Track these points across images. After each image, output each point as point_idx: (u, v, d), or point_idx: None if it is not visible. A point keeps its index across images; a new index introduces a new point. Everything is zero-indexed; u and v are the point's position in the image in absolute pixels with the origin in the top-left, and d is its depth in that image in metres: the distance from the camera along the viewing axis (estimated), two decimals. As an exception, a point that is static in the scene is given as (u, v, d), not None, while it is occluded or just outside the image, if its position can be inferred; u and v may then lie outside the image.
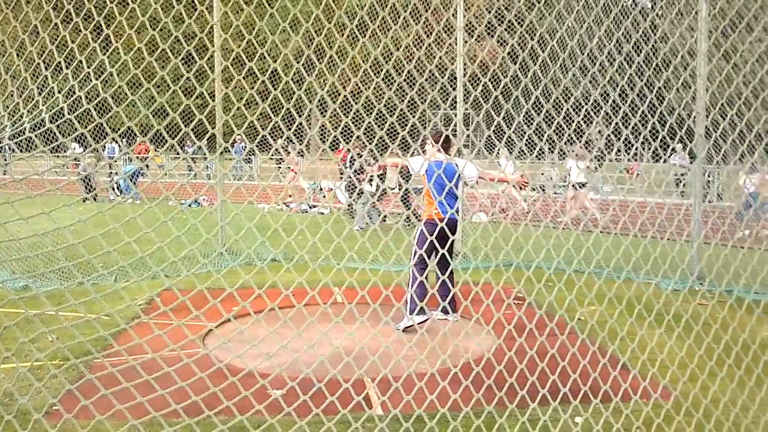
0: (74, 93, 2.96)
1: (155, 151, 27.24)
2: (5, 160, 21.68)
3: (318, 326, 3.47)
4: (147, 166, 25.98)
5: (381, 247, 3.85)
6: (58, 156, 24.12)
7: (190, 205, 18.09)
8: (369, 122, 3.35)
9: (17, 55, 3.19)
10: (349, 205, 15.77)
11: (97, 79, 3.05)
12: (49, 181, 21.74)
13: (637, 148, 4.16)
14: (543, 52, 3.83)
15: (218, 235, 10.32)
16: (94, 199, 19.73)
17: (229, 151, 15.91)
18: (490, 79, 3.80)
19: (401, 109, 3.25)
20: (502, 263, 8.43)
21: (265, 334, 3.95)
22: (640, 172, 16.64)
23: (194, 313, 3.01)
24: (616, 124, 4.26)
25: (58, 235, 3.17)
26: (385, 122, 3.18)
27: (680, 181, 17.66)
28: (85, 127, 3.26)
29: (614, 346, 4.60)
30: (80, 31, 3.03)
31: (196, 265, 8.84)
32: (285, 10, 3.29)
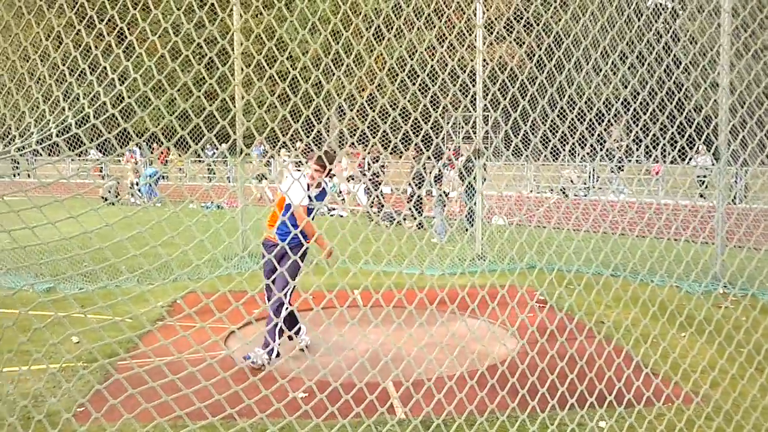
0: (98, 98, 3.00)
1: (177, 155, 27.49)
2: (30, 164, 21.93)
3: (337, 329, 3.48)
4: (166, 168, 26.21)
5: (395, 250, 3.86)
6: (81, 160, 24.43)
7: (212, 208, 18.22)
8: (391, 121, 3.36)
9: (41, 60, 3.24)
10: (370, 206, 15.78)
11: (120, 84, 3.09)
12: (75, 185, 22.00)
13: (663, 148, 4.15)
14: (575, 52, 3.83)
15: (239, 238, 10.39)
16: (113, 204, 19.96)
17: (249, 154, 16.03)
18: (509, 78, 3.80)
19: (422, 108, 3.25)
20: (525, 266, 8.41)
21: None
22: (662, 174, 16.51)
23: (217, 315, 3.04)
24: (644, 123, 4.24)
25: (83, 238, 3.22)
26: (406, 122, 3.19)
27: (703, 183, 17.49)
28: (110, 131, 3.31)
29: (629, 346, 4.56)
30: (103, 37, 3.07)
31: (219, 268, 8.92)
32: (304, 15, 3.31)
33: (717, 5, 8.88)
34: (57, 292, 7.61)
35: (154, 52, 3.29)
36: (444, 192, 14.38)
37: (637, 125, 4.14)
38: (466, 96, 11.41)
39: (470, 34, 11.13)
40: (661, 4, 13.64)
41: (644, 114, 4.13)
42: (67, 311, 3.62)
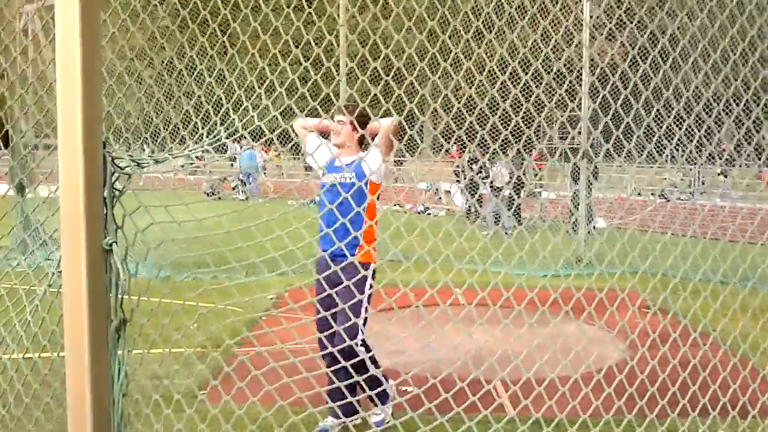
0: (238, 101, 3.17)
1: (276, 152, 28.24)
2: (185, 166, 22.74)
3: (437, 326, 3.56)
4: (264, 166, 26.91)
5: (502, 250, 3.90)
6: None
7: (309, 205, 18.65)
8: (491, 124, 3.39)
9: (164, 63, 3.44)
10: (468, 207, 15.78)
11: (239, 87, 3.26)
12: (177, 180, 22.89)
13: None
14: (674, 50, 3.77)
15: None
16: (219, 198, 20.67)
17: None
18: (610, 78, 3.77)
19: (526, 109, 3.27)
20: (627, 270, 8.24)
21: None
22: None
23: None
24: (747, 127, 4.12)
25: (200, 230, 3.40)
26: (506, 126, 3.21)
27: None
28: (228, 129, 3.53)
29: (755, 358, 4.43)
30: (217, 38, 3.25)
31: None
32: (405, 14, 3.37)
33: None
34: (172, 280, 8.02)
35: (265, 52, 3.42)
36: (495, 187, 14.37)
37: (740, 130, 4.02)
38: (573, 99, 11.26)
39: (578, 32, 10.97)
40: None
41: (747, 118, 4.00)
42: (182, 299, 3.87)
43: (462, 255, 4.22)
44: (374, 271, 4.27)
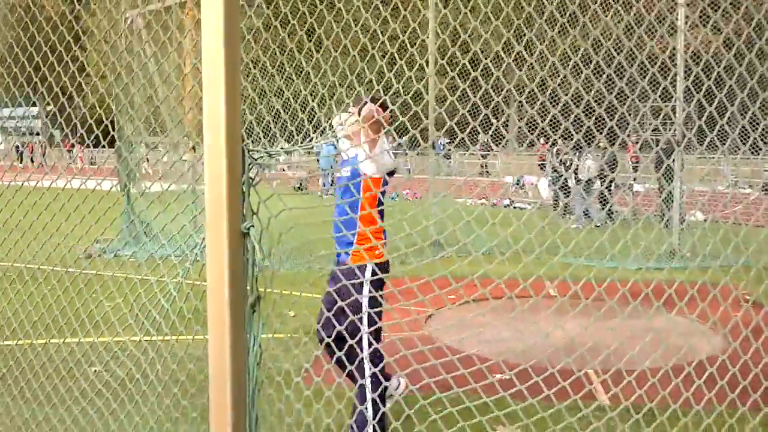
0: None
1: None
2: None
3: (530, 317, 3.65)
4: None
5: (598, 244, 3.94)
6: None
7: (395, 199, 18.91)
8: (578, 112, 3.43)
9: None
10: (555, 201, 15.64)
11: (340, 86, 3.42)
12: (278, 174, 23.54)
13: None
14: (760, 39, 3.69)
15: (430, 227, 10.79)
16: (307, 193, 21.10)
17: (433, 146, 16.41)
18: (706, 67, 3.72)
19: (609, 101, 3.29)
20: (722, 264, 8.08)
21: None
22: None
23: (419, 297, 3.31)
24: None
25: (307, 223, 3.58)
26: (592, 115, 3.23)
27: None
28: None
29: None
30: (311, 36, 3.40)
31: (422, 256, 9.40)
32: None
33: None
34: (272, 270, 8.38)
35: (363, 51, 3.55)
36: (583, 180, 14.13)
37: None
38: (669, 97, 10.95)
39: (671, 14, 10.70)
40: None
41: None
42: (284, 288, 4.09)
43: (554, 249, 4.29)
44: (381, 269, 3.91)
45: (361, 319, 3.72)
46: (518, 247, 3.76)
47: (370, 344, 3.77)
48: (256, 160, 1.81)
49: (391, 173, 3.99)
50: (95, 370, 3.94)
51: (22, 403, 3.66)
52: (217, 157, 1.68)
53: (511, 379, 3.78)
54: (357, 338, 3.66)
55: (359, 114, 3.84)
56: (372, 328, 3.79)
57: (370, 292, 3.81)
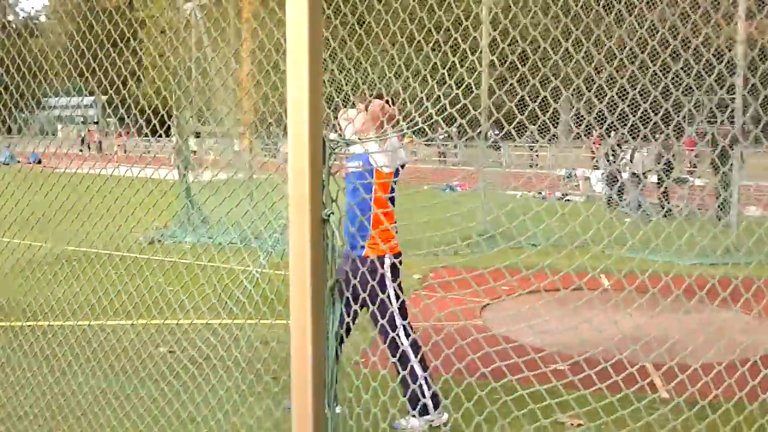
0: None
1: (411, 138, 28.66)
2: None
3: (587, 311, 3.66)
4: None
5: (663, 238, 3.93)
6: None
7: (446, 190, 18.92)
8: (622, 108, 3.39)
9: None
10: (608, 195, 15.46)
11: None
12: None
13: None
14: None
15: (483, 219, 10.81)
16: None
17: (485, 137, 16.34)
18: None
19: (653, 96, 3.25)
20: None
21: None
22: None
23: (474, 287, 3.35)
24: None
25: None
26: (638, 109, 3.20)
27: None
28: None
29: None
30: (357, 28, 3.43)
31: (470, 246, 9.44)
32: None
33: None
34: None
35: (419, 46, 3.57)
36: (637, 174, 13.94)
37: None
38: (724, 85, 10.72)
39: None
40: None
41: None
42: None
43: (599, 241, 4.29)
44: (394, 262, 4.00)
45: (386, 311, 3.78)
46: (586, 237, 3.77)
47: (407, 335, 3.89)
48: (334, 150, 1.89)
49: (402, 165, 4.13)
50: (182, 348, 4.16)
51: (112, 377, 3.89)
52: (301, 149, 1.76)
53: (564, 369, 3.81)
54: (396, 331, 3.75)
55: (366, 110, 3.93)
56: (406, 321, 3.92)
57: (393, 282, 3.93)
